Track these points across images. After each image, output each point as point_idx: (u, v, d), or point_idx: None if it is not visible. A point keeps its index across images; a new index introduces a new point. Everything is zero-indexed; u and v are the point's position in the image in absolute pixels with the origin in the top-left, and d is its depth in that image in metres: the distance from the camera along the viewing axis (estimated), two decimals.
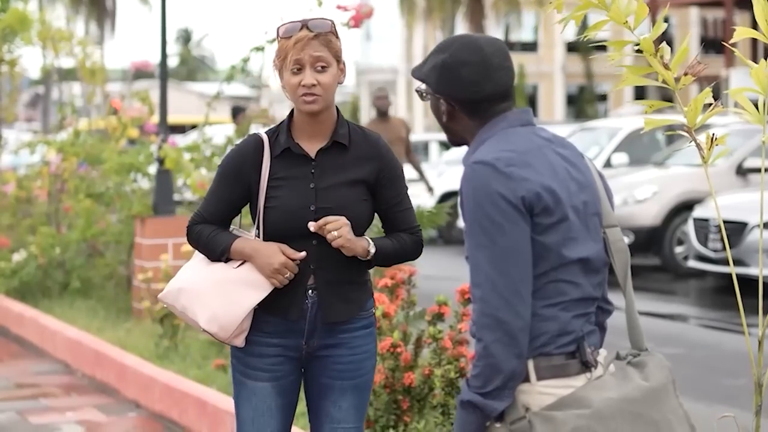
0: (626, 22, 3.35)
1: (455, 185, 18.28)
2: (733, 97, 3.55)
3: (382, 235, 3.67)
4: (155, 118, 10.96)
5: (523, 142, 2.78)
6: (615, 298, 2.94)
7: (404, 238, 3.64)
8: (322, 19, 3.56)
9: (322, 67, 3.50)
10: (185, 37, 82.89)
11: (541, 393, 2.71)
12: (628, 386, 2.72)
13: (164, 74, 10.24)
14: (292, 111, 3.62)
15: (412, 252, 3.68)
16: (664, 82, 3.45)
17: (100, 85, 12.90)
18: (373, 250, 3.55)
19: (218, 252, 3.57)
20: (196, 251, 3.68)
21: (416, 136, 27.30)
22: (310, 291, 3.56)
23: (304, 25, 3.52)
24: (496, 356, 2.63)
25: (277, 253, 3.50)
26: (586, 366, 2.75)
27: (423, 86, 2.91)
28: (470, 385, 2.68)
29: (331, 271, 3.56)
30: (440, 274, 12.32)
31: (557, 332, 2.72)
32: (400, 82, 49.18)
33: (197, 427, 6.57)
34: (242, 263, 3.56)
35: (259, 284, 3.52)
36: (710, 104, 3.44)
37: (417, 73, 2.92)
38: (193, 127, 31.31)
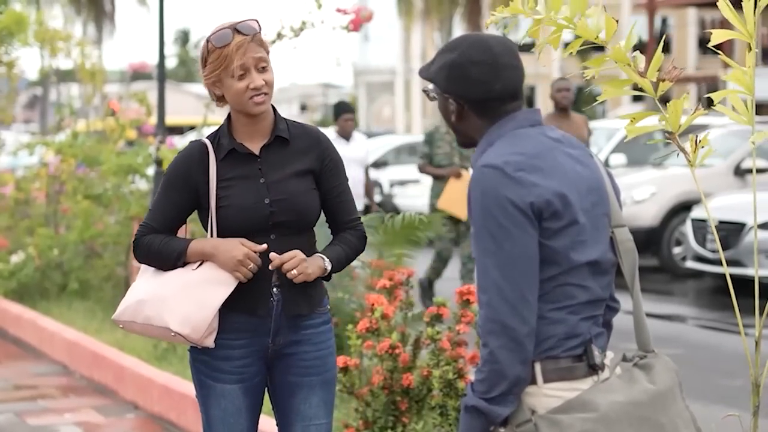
0: (597, 37, 3.35)
1: None
2: (716, 100, 3.55)
3: (332, 242, 3.71)
4: (153, 120, 10.95)
5: (533, 144, 2.76)
6: (621, 298, 2.94)
7: (350, 238, 3.71)
8: (249, 20, 3.59)
9: (263, 67, 3.56)
10: (183, 39, 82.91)
11: (547, 396, 2.70)
12: (634, 389, 2.71)
13: (162, 75, 10.24)
14: (229, 115, 3.65)
15: (360, 249, 3.75)
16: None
17: (99, 87, 12.90)
18: (329, 266, 3.62)
19: (174, 257, 3.57)
20: (143, 268, 3.66)
21: (414, 137, 27.31)
22: (274, 289, 3.59)
23: (235, 29, 3.54)
24: (501, 362, 2.62)
25: (238, 246, 3.52)
26: (594, 369, 2.74)
27: (430, 86, 2.89)
28: (475, 390, 2.67)
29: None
30: None
31: (565, 335, 2.71)
32: (398, 83, 49.18)
33: (196, 428, 6.57)
34: (201, 264, 3.56)
35: (223, 281, 3.53)
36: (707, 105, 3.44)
37: (424, 72, 2.90)
38: (191, 128, 31.25)
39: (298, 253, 3.53)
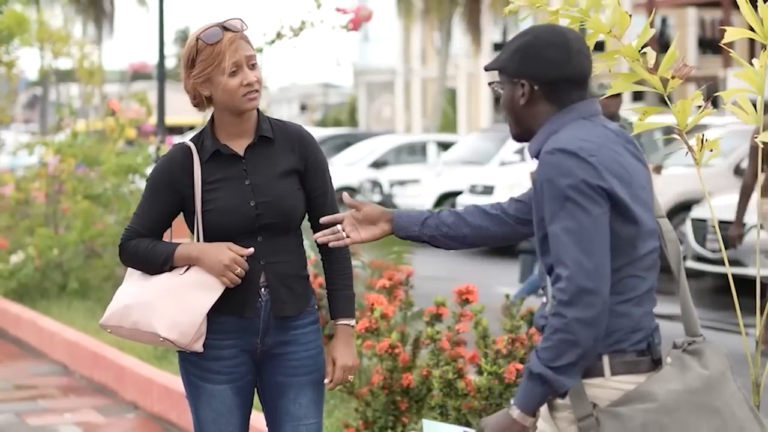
0: (610, 31, 3.35)
1: (453, 186, 18.30)
2: (725, 99, 3.55)
3: (333, 276, 3.73)
4: (153, 119, 10.95)
5: (599, 134, 2.83)
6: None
7: (342, 259, 3.72)
8: (235, 18, 3.59)
9: (253, 64, 3.56)
10: (183, 38, 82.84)
11: (613, 388, 2.76)
12: (689, 376, 2.77)
13: (162, 75, 10.24)
14: (212, 116, 3.64)
15: (350, 263, 3.76)
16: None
17: (98, 86, 12.90)
18: (353, 322, 3.73)
19: (160, 262, 3.55)
20: (129, 271, 3.65)
21: (414, 137, 27.28)
22: (263, 289, 3.59)
23: (224, 27, 3.54)
24: (575, 332, 2.66)
25: (225, 251, 3.51)
26: (656, 364, 2.81)
27: (496, 79, 2.94)
28: (541, 357, 2.70)
29: (281, 265, 3.60)
30: (438, 274, 12.32)
31: (631, 329, 2.78)
32: (398, 83, 49.16)
33: None
34: (188, 268, 3.55)
35: (211, 285, 3.52)
36: (701, 106, 3.45)
37: (492, 65, 2.95)
38: (191, 128, 31.24)
39: (345, 367, 3.65)
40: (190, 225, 3.62)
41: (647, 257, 2.82)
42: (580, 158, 2.73)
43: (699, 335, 2.90)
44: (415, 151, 23.65)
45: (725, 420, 2.74)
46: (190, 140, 3.64)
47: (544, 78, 2.86)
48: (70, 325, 9.24)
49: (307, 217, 3.71)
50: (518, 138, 2.97)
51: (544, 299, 2.87)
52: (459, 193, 17.77)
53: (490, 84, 2.98)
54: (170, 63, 78.16)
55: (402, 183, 19.80)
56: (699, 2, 37.62)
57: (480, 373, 4.93)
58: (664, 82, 3.42)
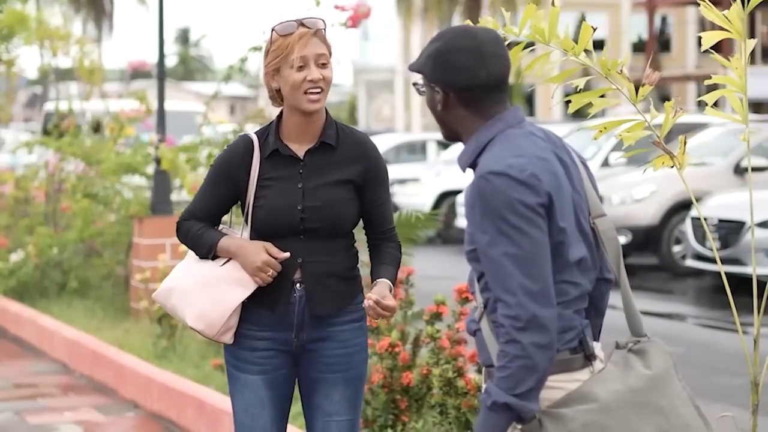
0: (573, 47, 3.36)
1: (453, 185, 18.30)
2: (709, 100, 3.56)
3: (378, 259, 3.74)
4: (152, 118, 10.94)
5: (527, 145, 2.79)
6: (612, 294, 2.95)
7: (391, 251, 3.74)
8: (315, 17, 3.62)
9: (323, 63, 3.57)
10: (183, 37, 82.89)
11: (550, 387, 2.74)
12: (631, 376, 2.75)
13: (161, 74, 10.22)
14: (281, 113, 3.66)
15: (400, 257, 3.81)
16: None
17: (98, 85, 12.90)
18: (391, 285, 3.68)
19: (205, 249, 3.64)
20: (189, 251, 3.73)
21: (413, 135, 27.28)
22: (298, 285, 3.60)
23: (300, 23, 3.58)
24: (533, 357, 2.65)
25: (260, 252, 3.55)
26: (589, 359, 2.80)
27: (420, 79, 2.92)
28: (501, 387, 2.68)
29: (319, 264, 3.62)
30: (438, 273, 12.33)
31: (561, 329, 2.76)
32: (398, 82, 49.17)
33: (195, 427, 6.57)
34: (227, 261, 3.61)
35: (244, 282, 3.58)
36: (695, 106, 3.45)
37: (413, 65, 2.93)
38: None
39: (389, 306, 3.54)
40: (245, 217, 3.66)
41: (581, 263, 2.79)
42: (512, 178, 2.69)
43: (643, 335, 2.86)
44: (415, 150, 23.66)
45: (669, 419, 2.72)
46: (256, 133, 3.67)
47: (456, 85, 2.82)
48: (70, 323, 9.24)
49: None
50: (447, 138, 2.95)
51: (475, 304, 2.86)
52: (459, 191, 17.77)
53: (414, 84, 2.95)
54: (170, 61, 78.19)
55: (402, 182, 19.80)
56: (699, 1, 37.61)
57: (480, 371, 4.93)
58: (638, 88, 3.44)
